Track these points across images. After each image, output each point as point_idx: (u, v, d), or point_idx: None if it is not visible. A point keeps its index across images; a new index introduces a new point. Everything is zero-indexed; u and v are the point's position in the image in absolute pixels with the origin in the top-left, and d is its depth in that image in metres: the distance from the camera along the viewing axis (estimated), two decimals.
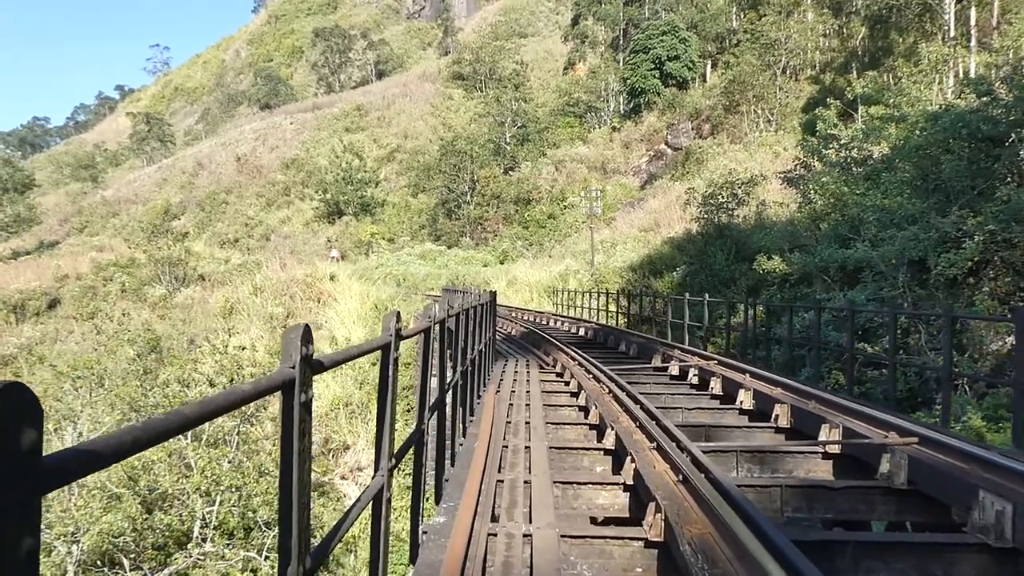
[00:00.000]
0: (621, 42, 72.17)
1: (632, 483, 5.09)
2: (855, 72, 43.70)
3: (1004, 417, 12.63)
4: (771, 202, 31.62)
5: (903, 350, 14.83)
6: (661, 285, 29.26)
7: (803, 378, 14.87)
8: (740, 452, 5.94)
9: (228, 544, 14.80)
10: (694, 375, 10.82)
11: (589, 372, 10.48)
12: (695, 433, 6.91)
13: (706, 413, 8.48)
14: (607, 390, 8.82)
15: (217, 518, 14.80)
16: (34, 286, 47.27)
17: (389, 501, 2.85)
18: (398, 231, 63.90)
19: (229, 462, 15.83)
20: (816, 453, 6.03)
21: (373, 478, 2.80)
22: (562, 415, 8.54)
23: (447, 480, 5.22)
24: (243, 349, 22.34)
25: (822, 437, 6.16)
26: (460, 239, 57.58)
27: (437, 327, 4.89)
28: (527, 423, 7.11)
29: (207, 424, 16.68)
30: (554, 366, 12.80)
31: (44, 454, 0.87)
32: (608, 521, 5.23)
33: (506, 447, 6.12)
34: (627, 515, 5.09)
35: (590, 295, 29.07)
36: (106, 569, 13.60)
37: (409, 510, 4.61)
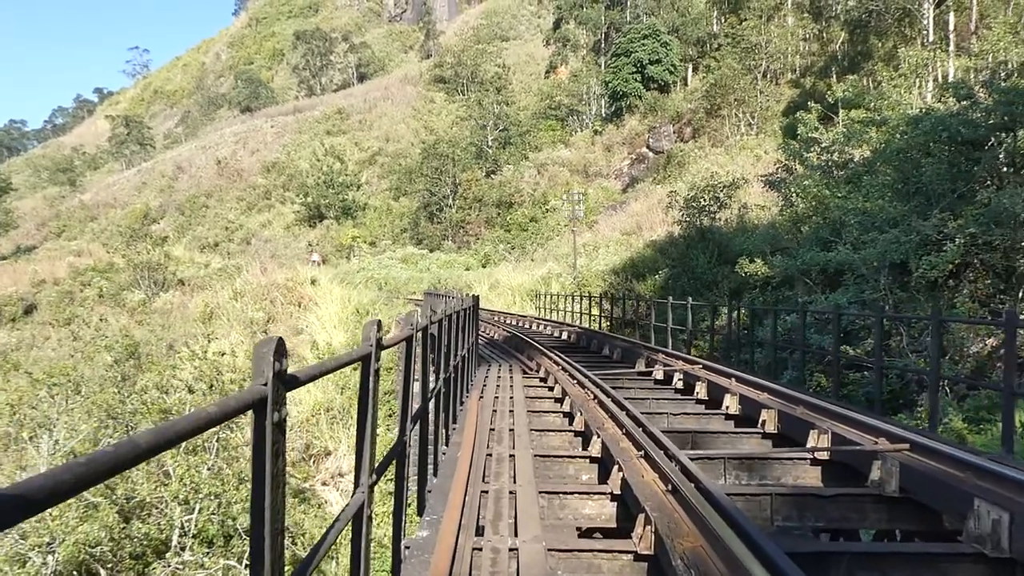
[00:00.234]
0: (603, 46, 72.30)
1: (620, 493, 4.98)
2: (835, 76, 43.99)
3: (985, 419, 12.67)
4: (753, 205, 31.74)
5: (884, 353, 14.86)
6: (643, 288, 29.25)
7: (786, 380, 14.88)
8: (728, 459, 5.85)
9: (208, 552, 14.60)
10: (679, 379, 10.75)
11: (573, 377, 10.38)
12: (681, 439, 6.82)
13: (692, 419, 8.40)
14: (592, 395, 8.72)
15: (196, 526, 14.60)
16: (10, 291, 46.58)
17: (370, 518, 2.73)
18: (380, 235, 63.59)
19: (208, 469, 15.60)
20: (805, 460, 5.95)
21: (353, 495, 2.68)
22: (546, 422, 8.43)
23: (430, 491, 5.09)
24: (223, 355, 22.06)
25: (810, 443, 6.08)
26: (442, 242, 57.38)
27: (419, 334, 4.76)
28: (511, 430, 7.00)
29: None
30: (538, 371, 12.69)
31: None
32: (594, 530, 5.13)
33: (490, 455, 6.00)
34: (615, 525, 4.98)
35: (573, 298, 29.00)
36: None
37: (391, 514, 4.48)
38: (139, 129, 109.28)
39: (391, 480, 5.71)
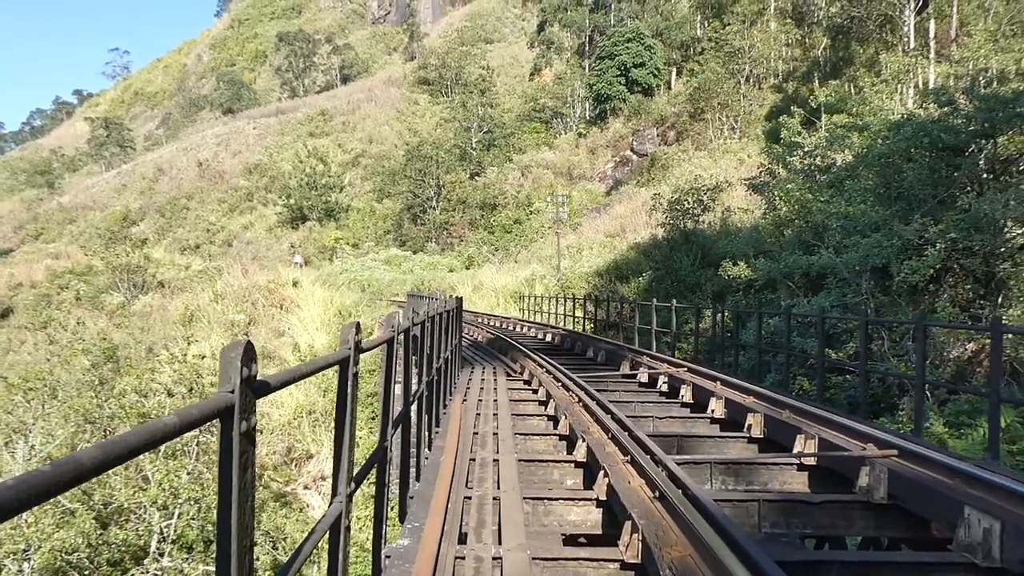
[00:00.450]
0: (587, 49, 72.43)
1: (606, 499, 4.89)
2: (817, 81, 44.26)
3: (966, 424, 12.71)
4: (736, 208, 31.82)
5: (860, 355, 14.89)
6: (627, 290, 29.24)
7: (769, 383, 14.87)
8: (714, 464, 5.78)
9: (187, 559, 14.43)
10: (664, 382, 10.68)
11: (557, 380, 10.29)
12: (667, 443, 6.74)
13: (677, 422, 8.33)
14: (576, 398, 8.63)
15: (175, 532, 14.43)
16: None
17: (348, 529, 2.62)
18: (363, 236, 63.30)
19: (188, 473, 15.41)
20: (792, 465, 5.88)
21: (330, 504, 2.56)
22: (531, 425, 8.33)
23: (412, 497, 4.98)
24: (203, 358, 21.81)
25: (797, 448, 6.02)
26: (426, 244, 57.20)
27: (401, 336, 4.66)
28: (495, 434, 6.90)
29: None
30: (521, 373, 12.60)
31: None
32: (580, 537, 5.04)
33: (473, 460, 5.90)
34: (600, 532, 4.89)
35: (556, 300, 28.94)
36: None
37: (372, 519, 4.36)
38: (119, 131, 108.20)
39: (373, 483, 5.61)
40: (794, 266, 19.54)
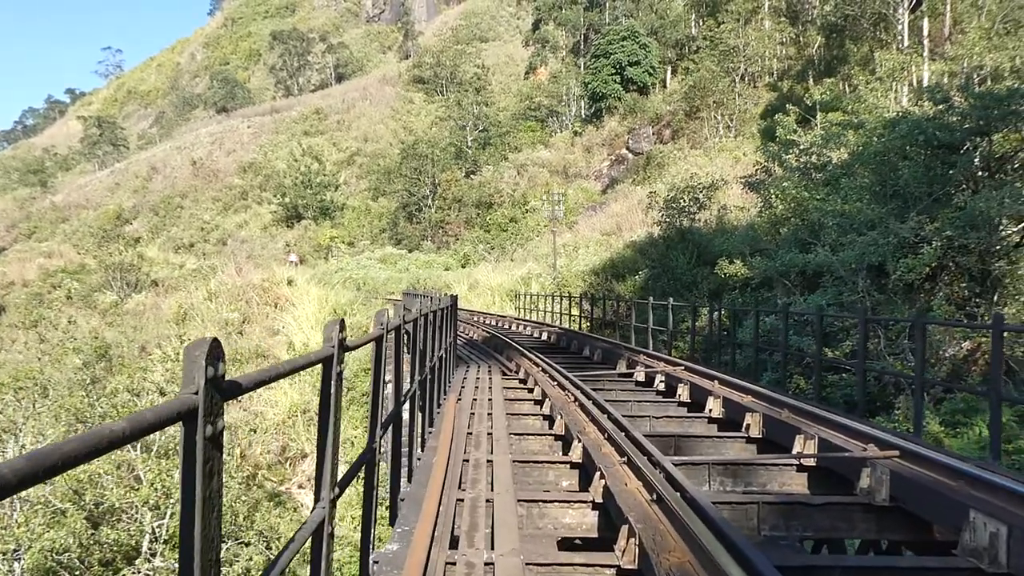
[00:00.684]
0: (582, 47, 72.30)
1: (602, 501, 4.77)
2: (812, 80, 44.25)
3: (962, 422, 12.64)
4: (732, 207, 31.74)
5: (858, 354, 14.83)
6: (623, 288, 29.14)
7: (765, 382, 14.78)
8: (713, 465, 5.66)
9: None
10: (661, 381, 10.57)
11: (553, 379, 10.17)
12: (664, 443, 6.63)
13: (675, 422, 8.22)
14: (572, 398, 8.51)
15: (167, 531, 14.31)
16: None
17: (332, 536, 2.49)
18: (358, 235, 63.12)
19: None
20: (791, 466, 5.77)
21: (313, 510, 2.44)
22: (526, 424, 8.21)
23: (403, 500, 4.85)
24: None
25: (796, 448, 5.91)
26: (421, 243, 57.05)
27: (392, 334, 4.53)
28: (489, 434, 6.78)
29: (158, 434, 16.06)
30: (517, 372, 12.48)
31: None
32: (575, 540, 4.92)
33: (467, 461, 5.78)
34: (596, 535, 4.77)
35: (552, 299, 28.83)
36: None
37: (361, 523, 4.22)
38: (112, 130, 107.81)
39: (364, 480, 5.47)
40: (790, 264, 19.47)
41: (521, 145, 64.07)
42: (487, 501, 4.62)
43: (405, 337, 5.57)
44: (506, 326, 25.33)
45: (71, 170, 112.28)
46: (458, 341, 16.28)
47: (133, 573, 13.68)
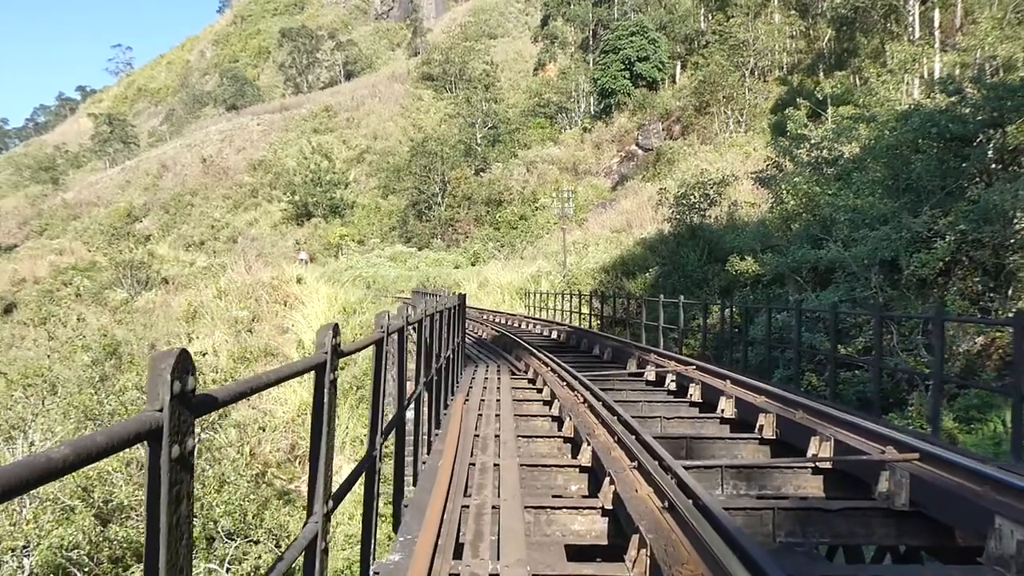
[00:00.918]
0: (591, 43, 72.00)
1: (611, 507, 4.63)
2: (822, 73, 43.88)
3: (976, 419, 12.45)
4: (743, 202, 31.50)
5: (873, 351, 14.65)
6: (634, 286, 28.95)
7: (777, 379, 14.60)
8: (725, 468, 5.51)
9: None
10: (671, 381, 10.41)
11: (562, 379, 10.03)
12: (675, 446, 6.48)
13: (686, 423, 8.06)
14: (581, 399, 8.37)
15: None
16: None
17: (325, 552, 2.36)
18: (368, 233, 63.10)
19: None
20: (806, 469, 5.60)
21: (304, 525, 2.31)
22: (534, 426, 8.08)
23: (406, 506, 4.72)
24: (204, 355, 21.65)
25: (812, 450, 5.75)
26: (431, 241, 56.96)
27: (394, 337, 4.40)
28: (497, 436, 6.65)
29: None
30: (526, 372, 12.35)
31: None
32: (584, 548, 4.78)
33: (473, 465, 5.65)
34: (606, 543, 4.63)
35: (562, 297, 28.67)
36: None
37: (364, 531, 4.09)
38: (123, 127, 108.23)
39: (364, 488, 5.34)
40: (802, 260, 19.27)
41: (530, 142, 63.88)
42: (493, 507, 4.49)
43: (407, 340, 5.44)
44: (516, 324, 25.20)
45: (82, 167, 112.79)
46: (467, 340, 16.17)
47: (142, 570, 13.65)
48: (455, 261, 49.52)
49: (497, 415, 7.74)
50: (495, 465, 5.55)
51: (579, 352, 16.68)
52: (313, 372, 2.32)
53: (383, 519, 9.20)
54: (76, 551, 13.29)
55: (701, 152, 44.57)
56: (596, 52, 65.65)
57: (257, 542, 15.14)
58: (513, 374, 12.37)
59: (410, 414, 5.66)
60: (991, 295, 15.57)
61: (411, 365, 6.47)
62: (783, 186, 23.39)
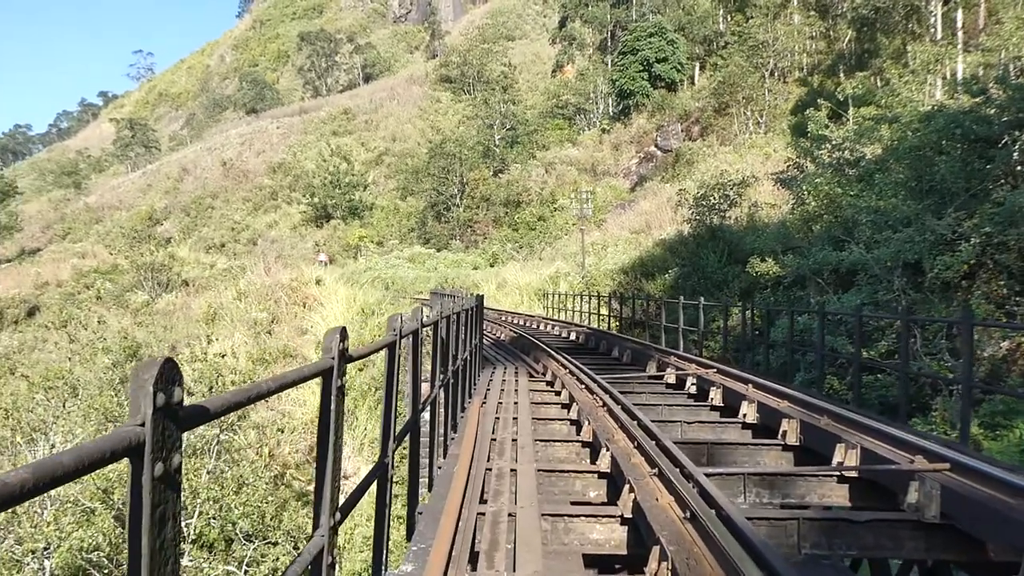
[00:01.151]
0: (609, 44, 71.80)
1: (631, 516, 4.50)
2: (842, 74, 43.46)
3: (1001, 425, 12.18)
4: (763, 204, 31.22)
5: (897, 354, 14.39)
6: (653, 287, 28.73)
7: (798, 382, 14.37)
8: (748, 476, 5.36)
9: (207, 558, 14.29)
10: (692, 384, 10.25)
11: (581, 382, 9.90)
12: (696, 451, 6.34)
13: (707, 428, 7.90)
14: (600, 402, 8.24)
15: (195, 531, 14.29)
16: (13, 293, 46.38)
17: (332, 567, 2.26)
18: (387, 234, 63.23)
19: (208, 473, 15.28)
20: (832, 478, 5.43)
21: (310, 539, 2.21)
22: (552, 430, 7.96)
23: (420, 513, 4.62)
24: (223, 356, 21.67)
25: (837, 458, 5.58)
26: (450, 242, 56.97)
27: (408, 340, 4.30)
28: (514, 440, 6.54)
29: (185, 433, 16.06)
30: (544, 374, 12.22)
31: None
32: (602, 558, 4.66)
33: (490, 470, 5.54)
34: (625, 552, 4.50)
35: (581, 298, 28.51)
36: None
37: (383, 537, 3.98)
38: (144, 132, 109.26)
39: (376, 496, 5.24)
40: (823, 262, 19.02)
41: (549, 143, 63.77)
42: (510, 515, 4.37)
43: (422, 343, 5.34)
44: (534, 326, 25.07)
45: (104, 172, 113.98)
46: (485, 341, 16.07)
47: None
48: (474, 262, 49.47)
49: (515, 418, 7.63)
50: (512, 470, 5.44)
51: (598, 354, 16.53)
52: (320, 378, 2.22)
53: (400, 521, 9.10)
54: (96, 553, 13.31)
55: (720, 153, 44.27)
56: (614, 53, 65.43)
57: (275, 544, 15.13)
58: (531, 376, 12.25)
59: (426, 416, 5.56)
60: (1017, 299, 15.27)
61: (428, 367, 6.38)
62: (804, 187, 23.12)
